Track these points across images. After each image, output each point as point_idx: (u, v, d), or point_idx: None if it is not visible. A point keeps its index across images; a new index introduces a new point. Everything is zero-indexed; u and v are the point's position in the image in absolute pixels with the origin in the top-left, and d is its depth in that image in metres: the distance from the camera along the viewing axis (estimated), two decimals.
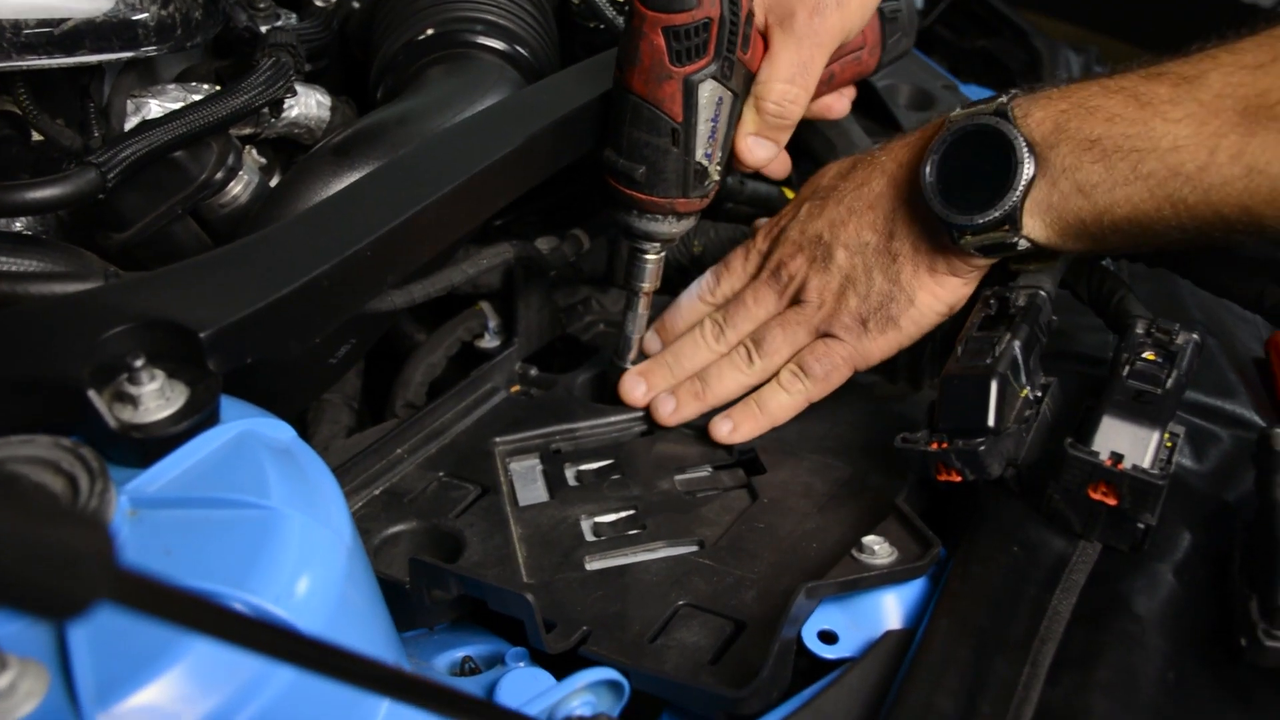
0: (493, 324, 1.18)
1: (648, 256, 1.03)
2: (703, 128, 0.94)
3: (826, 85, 1.07)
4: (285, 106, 1.10)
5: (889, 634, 0.72)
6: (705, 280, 1.07)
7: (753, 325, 1.01)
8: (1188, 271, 0.92)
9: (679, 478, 0.96)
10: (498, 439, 1.01)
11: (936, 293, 0.93)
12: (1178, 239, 0.80)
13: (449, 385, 1.07)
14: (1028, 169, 0.81)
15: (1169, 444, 0.76)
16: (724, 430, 0.98)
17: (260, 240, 0.77)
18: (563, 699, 0.58)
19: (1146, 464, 0.74)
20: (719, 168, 0.98)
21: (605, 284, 1.27)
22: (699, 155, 0.96)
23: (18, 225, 0.99)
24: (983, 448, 0.78)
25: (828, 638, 0.75)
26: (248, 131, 1.09)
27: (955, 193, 0.87)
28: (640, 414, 1.04)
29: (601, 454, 1.00)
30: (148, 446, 0.62)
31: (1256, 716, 0.67)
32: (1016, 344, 0.82)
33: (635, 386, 1.03)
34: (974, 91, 1.59)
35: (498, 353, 1.12)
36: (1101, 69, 1.29)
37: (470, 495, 0.94)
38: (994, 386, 0.79)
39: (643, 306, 1.05)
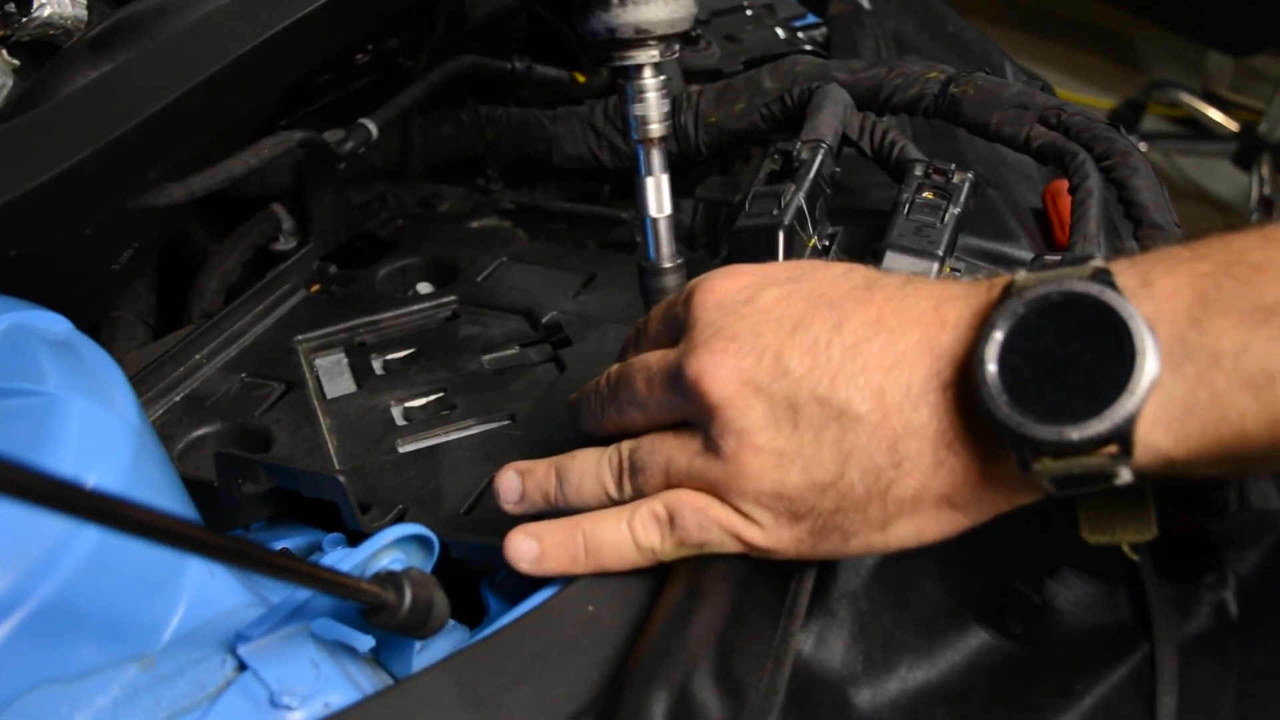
0: (287, 225, 1.14)
1: (644, 76, 0.76)
2: None
3: None
4: (36, 5, 1.03)
5: None
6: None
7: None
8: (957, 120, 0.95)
9: (486, 358, 0.96)
10: (300, 337, 0.99)
11: (925, 528, 0.58)
12: None
13: (246, 291, 1.04)
14: (1150, 363, 0.51)
15: (950, 275, 0.79)
16: (525, 553, 0.63)
17: (15, 129, 0.73)
18: (371, 556, 0.57)
19: None
20: None
21: (399, 178, 1.25)
22: None
23: None
24: None
25: None
26: None
27: (1029, 391, 0.53)
28: (444, 300, 1.03)
29: (407, 342, 0.99)
30: None
31: None
32: (801, 195, 0.84)
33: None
34: None
35: (294, 254, 1.09)
36: None
37: (275, 393, 0.93)
38: (781, 236, 0.81)
39: (658, 163, 0.79)
